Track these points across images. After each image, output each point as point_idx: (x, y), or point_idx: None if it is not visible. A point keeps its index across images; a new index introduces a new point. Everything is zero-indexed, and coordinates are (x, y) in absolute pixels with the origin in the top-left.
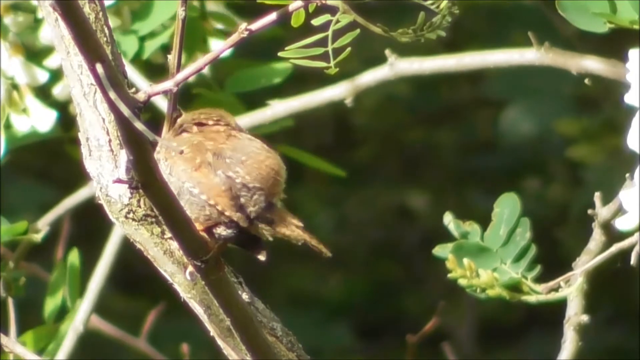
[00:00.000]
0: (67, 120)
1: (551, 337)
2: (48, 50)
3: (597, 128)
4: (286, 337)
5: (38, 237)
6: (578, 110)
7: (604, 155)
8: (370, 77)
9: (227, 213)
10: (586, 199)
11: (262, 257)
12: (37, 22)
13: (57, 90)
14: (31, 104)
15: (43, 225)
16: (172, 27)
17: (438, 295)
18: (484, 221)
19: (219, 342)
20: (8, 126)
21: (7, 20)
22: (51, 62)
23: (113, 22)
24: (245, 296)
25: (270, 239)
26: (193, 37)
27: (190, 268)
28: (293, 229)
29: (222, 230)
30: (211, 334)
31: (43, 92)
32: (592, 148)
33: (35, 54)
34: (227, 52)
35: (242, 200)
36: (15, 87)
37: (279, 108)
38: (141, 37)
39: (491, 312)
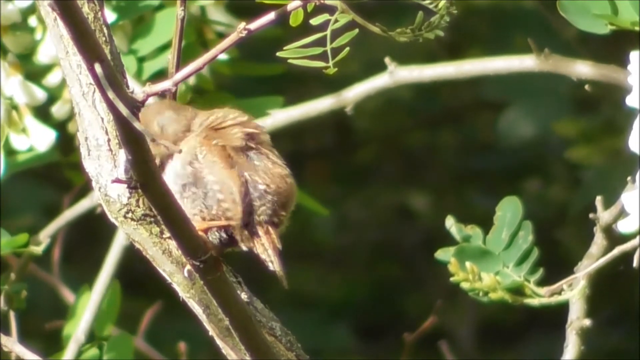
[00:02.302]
0: (66, 142)
1: (551, 338)
2: (47, 69)
3: (596, 129)
4: (285, 336)
5: (39, 249)
6: (577, 111)
7: (603, 157)
8: (370, 85)
9: (232, 223)
10: (585, 200)
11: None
12: (36, 42)
13: (56, 109)
14: (30, 124)
15: (44, 237)
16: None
17: (438, 296)
18: (484, 221)
19: (218, 341)
20: (10, 151)
21: (6, 39)
22: (50, 80)
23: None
24: (244, 296)
25: (245, 249)
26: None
27: (188, 266)
28: (268, 249)
29: (214, 234)
30: (210, 333)
31: (42, 112)
32: (591, 149)
33: (34, 73)
34: (226, 54)
35: (256, 205)
36: (14, 107)
37: (279, 117)
38: (140, 57)
39: (491, 312)
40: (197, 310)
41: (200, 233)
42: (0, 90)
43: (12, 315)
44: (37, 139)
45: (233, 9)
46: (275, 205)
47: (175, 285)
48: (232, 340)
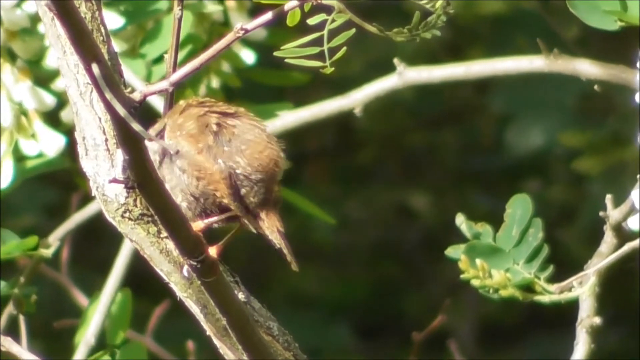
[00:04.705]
0: (75, 147)
1: (552, 337)
2: (56, 74)
3: (602, 141)
4: (283, 336)
5: (48, 252)
6: (583, 122)
7: (608, 168)
8: (379, 86)
9: (225, 201)
10: (592, 213)
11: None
12: (45, 48)
13: (65, 114)
14: (39, 129)
15: (54, 240)
16: (183, 50)
17: (439, 295)
18: (486, 221)
19: (216, 341)
20: (19, 157)
21: (15, 45)
22: (59, 85)
23: (119, 46)
24: (241, 295)
25: (254, 231)
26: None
27: (186, 265)
28: (274, 231)
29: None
30: (207, 333)
31: (51, 118)
32: (596, 160)
33: (43, 79)
34: (252, 61)
35: (243, 190)
36: (23, 112)
37: (288, 118)
38: (149, 61)
39: (492, 312)
40: (195, 309)
41: (197, 233)
42: (10, 95)
43: (21, 319)
44: (47, 144)
45: (252, 13)
46: (263, 184)
47: (172, 285)
48: (230, 339)
